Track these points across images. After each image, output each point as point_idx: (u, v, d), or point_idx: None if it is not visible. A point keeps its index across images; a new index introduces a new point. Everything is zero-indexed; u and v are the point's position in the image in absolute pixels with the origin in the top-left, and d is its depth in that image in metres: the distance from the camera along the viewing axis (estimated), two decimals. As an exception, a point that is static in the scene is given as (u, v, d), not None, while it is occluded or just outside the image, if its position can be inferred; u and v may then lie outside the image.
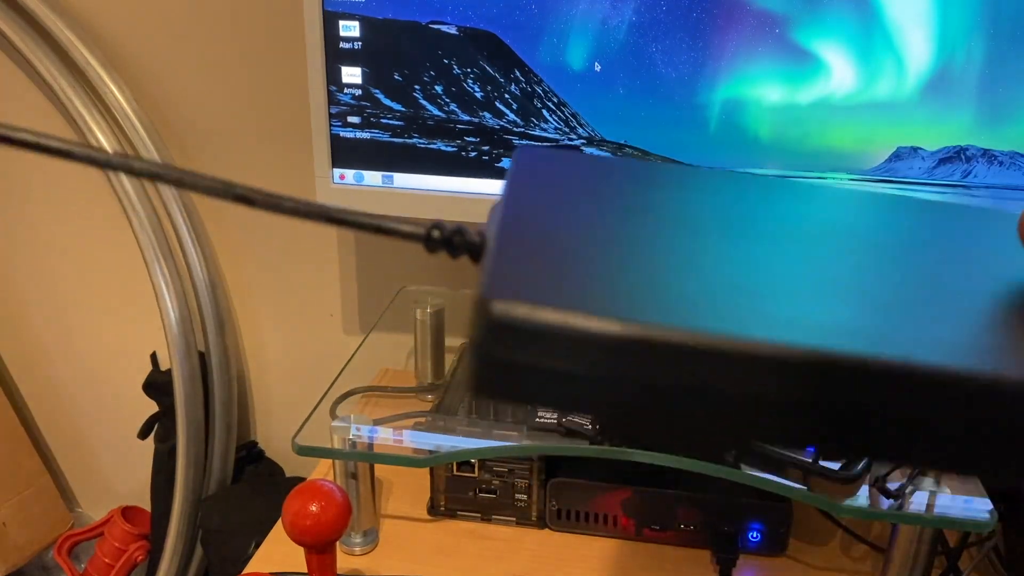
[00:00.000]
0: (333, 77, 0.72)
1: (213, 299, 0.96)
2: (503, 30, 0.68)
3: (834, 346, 0.19)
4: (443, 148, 0.73)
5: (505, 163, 0.71)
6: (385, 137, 0.73)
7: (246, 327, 1.03)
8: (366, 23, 0.70)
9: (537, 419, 0.66)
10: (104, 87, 0.89)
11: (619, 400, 0.20)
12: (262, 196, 0.23)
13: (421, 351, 0.80)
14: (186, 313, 0.94)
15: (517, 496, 0.73)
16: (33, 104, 0.95)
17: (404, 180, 0.75)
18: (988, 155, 0.66)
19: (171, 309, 0.93)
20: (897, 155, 0.67)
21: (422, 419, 0.70)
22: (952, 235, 0.28)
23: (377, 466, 0.72)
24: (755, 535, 0.70)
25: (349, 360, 0.79)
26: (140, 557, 1.06)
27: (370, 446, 0.66)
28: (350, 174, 0.76)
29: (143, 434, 1.01)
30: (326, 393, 0.73)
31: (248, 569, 0.70)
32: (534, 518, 0.74)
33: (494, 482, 0.73)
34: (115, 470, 1.16)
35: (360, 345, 0.83)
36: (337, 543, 0.62)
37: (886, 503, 0.59)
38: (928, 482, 0.61)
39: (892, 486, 0.59)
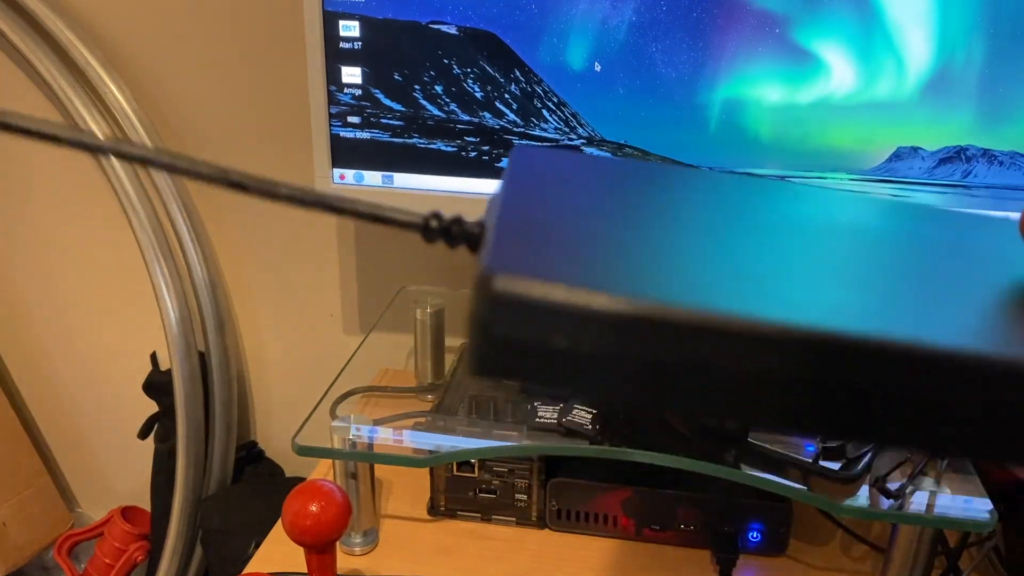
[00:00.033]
0: (333, 77, 0.72)
1: (213, 299, 0.96)
2: (503, 30, 0.68)
3: (842, 325, 0.18)
4: (443, 148, 0.73)
5: (505, 163, 0.71)
6: (385, 137, 0.73)
7: (246, 327, 1.03)
8: (366, 23, 0.70)
9: (537, 419, 0.66)
10: (104, 87, 0.89)
11: (622, 378, 0.19)
12: (257, 182, 0.22)
13: (421, 351, 0.80)
14: (186, 313, 0.94)
15: (517, 496, 0.73)
16: (33, 104, 0.95)
17: (404, 180, 0.75)
18: (988, 155, 0.66)
19: (171, 309, 0.93)
20: (897, 155, 0.67)
21: (422, 419, 0.70)
22: (954, 236, 0.28)
23: (377, 466, 0.72)
24: (755, 535, 0.70)
25: (349, 360, 0.79)
26: (140, 557, 1.06)
27: (370, 446, 0.66)
28: (350, 174, 0.76)
29: (143, 434, 1.01)
30: (326, 393, 0.73)
31: (248, 569, 0.70)
32: (534, 518, 0.74)
33: (494, 482, 0.73)
34: (115, 470, 1.16)
35: (360, 345, 0.83)
36: (337, 543, 0.62)
37: (886, 503, 0.59)
38: (928, 482, 0.61)
39: (892, 486, 0.59)
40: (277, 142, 0.92)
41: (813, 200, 0.29)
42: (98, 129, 0.90)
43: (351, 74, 0.72)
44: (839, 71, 0.65)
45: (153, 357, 1.02)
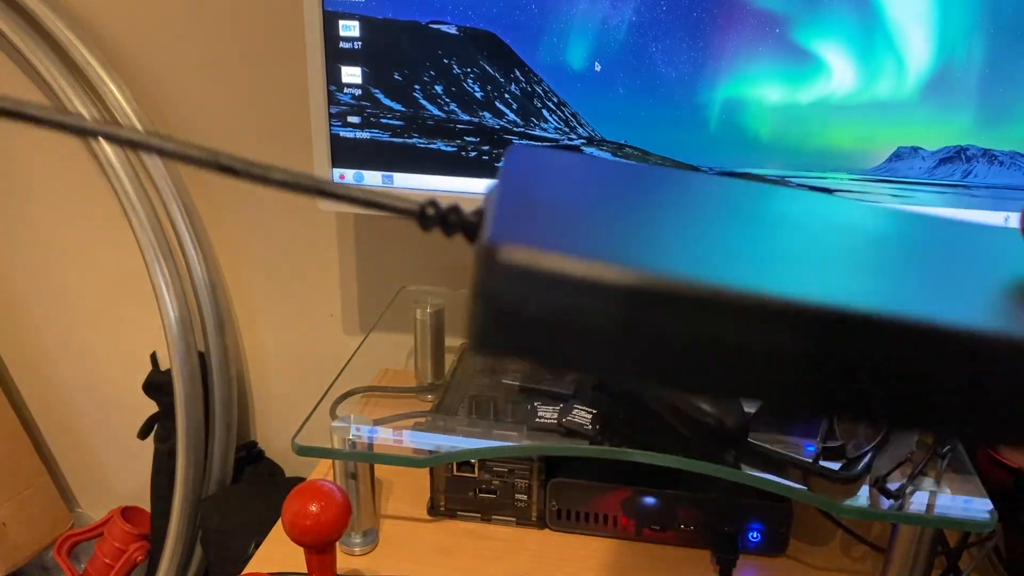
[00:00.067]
0: (333, 77, 0.72)
1: (213, 299, 0.96)
2: (503, 30, 0.68)
3: (851, 302, 0.18)
4: (443, 148, 0.73)
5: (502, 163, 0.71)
6: (385, 137, 0.73)
7: (246, 327, 1.03)
8: (366, 23, 0.70)
9: (537, 419, 0.66)
10: (104, 87, 0.89)
11: (629, 352, 0.19)
12: (248, 166, 0.22)
13: (421, 351, 0.80)
14: (186, 313, 0.94)
15: (517, 496, 0.73)
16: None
17: (404, 180, 0.75)
18: (988, 155, 0.66)
19: (171, 309, 0.93)
20: (897, 155, 0.67)
21: (422, 419, 0.70)
22: (954, 238, 0.28)
23: (377, 466, 0.72)
24: (755, 535, 0.70)
25: (349, 360, 0.79)
26: (140, 557, 1.06)
27: (370, 446, 0.66)
28: (350, 174, 0.76)
29: (143, 434, 1.01)
30: (326, 393, 0.73)
31: (248, 569, 0.70)
32: (534, 518, 0.74)
33: (494, 482, 0.73)
34: (115, 470, 1.16)
35: (360, 345, 0.83)
36: (337, 543, 0.62)
37: (886, 503, 0.59)
38: (928, 482, 0.61)
39: (892, 486, 0.59)
40: (277, 142, 0.92)
41: (814, 202, 0.29)
42: (98, 129, 0.90)
43: (351, 74, 0.72)
44: (839, 71, 0.65)
45: (153, 357, 1.02)
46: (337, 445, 0.66)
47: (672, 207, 0.24)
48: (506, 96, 0.71)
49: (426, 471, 0.74)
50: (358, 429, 0.65)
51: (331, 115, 0.73)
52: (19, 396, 1.13)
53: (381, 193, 0.23)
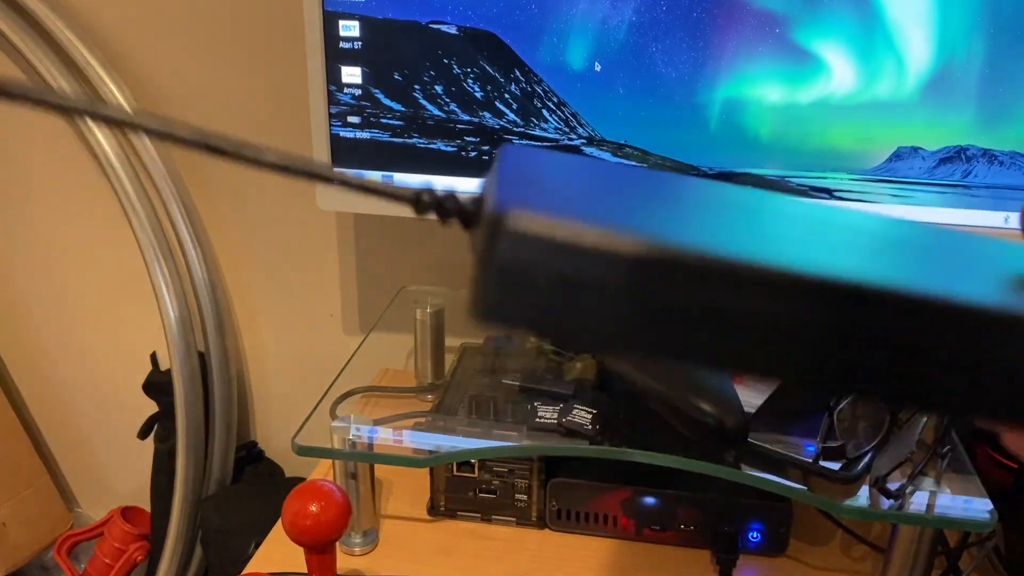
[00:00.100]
0: (333, 77, 0.72)
1: (213, 299, 0.96)
2: (503, 30, 0.68)
3: (860, 275, 0.18)
4: (443, 148, 0.73)
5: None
6: (385, 137, 0.73)
7: (246, 327, 1.03)
8: (366, 23, 0.70)
9: (537, 419, 0.66)
10: (104, 87, 0.89)
11: (636, 322, 0.18)
12: (239, 147, 0.21)
13: (421, 351, 0.80)
14: (186, 313, 0.94)
15: (517, 496, 0.73)
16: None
17: (404, 180, 0.75)
18: (988, 155, 0.66)
19: (171, 309, 0.93)
20: (897, 155, 0.67)
21: (422, 419, 0.70)
22: (953, 241, 0.28)
23: (377, 466, 0.72)
24: (755, 535, 0.70)
25: (349, 360, 0.79)
26: (140, 557, 1.06)
27: (370, 446, 0.66)
28: (350, 174, 0.76)
29: (143, 434, 1.01)
30: (326, 393, 0.73)
31: (248, 569, 0.70)
32: (534, 518, 0.74)
33: (494, 482, 0.73)
34: (115, 470, 1.16)
35: (360, 345, 0.83)
36: (337, 543, 0.62)
37: (886, 503, 0.59)
38: (928, 482, 0.61)
39: (892, 486, 0.59)
40: (277, 142, 0.92)
41: (812, 205, 0.29)
42: (98, 130, 0.90)
43: (351, 74, 0.72)
44: (839, 71, 0.65)
45: (153, 357, 1.02)
46: (337, 445, 0.66)
47: (674, 199, 0.24)
48: (506, 96, 0.71)
49: (426, 471, 0.74)
50: (358, 429, 0.65)
51: (331, 115, 0.73)
52: (19, 396, 1.13)
53: (377, 182, 0.22)
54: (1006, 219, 0.68)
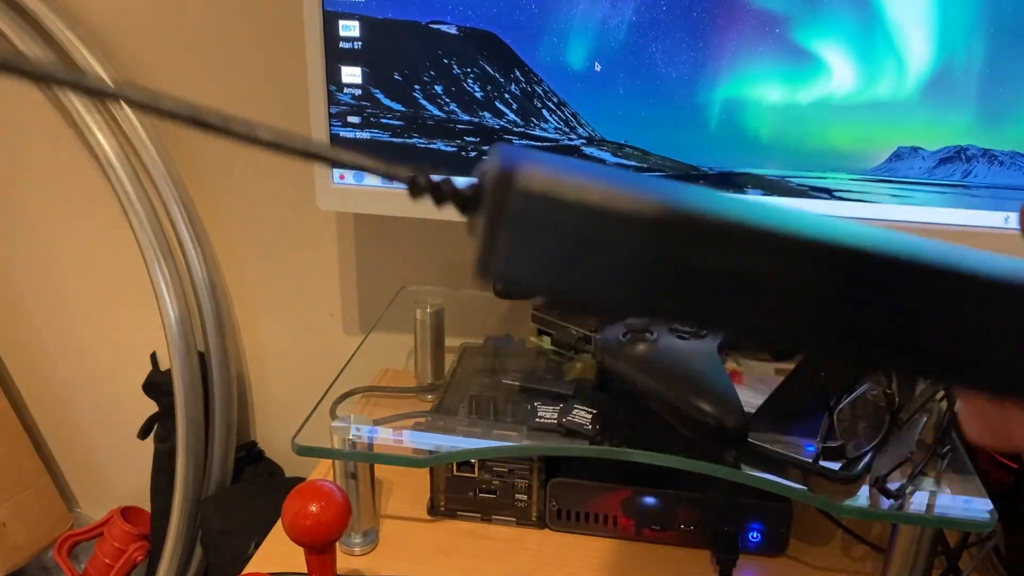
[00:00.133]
0: (333, 77, 0.72)
1: (213, 299, 0.96)
2: (503, 30, 0.68)
3: (876, 244, 0.18)
4: (443, 148, 0.73)
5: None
6: (385, 137, 0.73)
7: (246, 327, 1.03)
8: (366, 23, 0.70)
9: (537, 419, 0.66)
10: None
11: (652, 285, 0.18)
12: (231, 123, 0.20)
13: (421, 351, 0.80)
14: (186, 313, 0.94)
15: (517, 496, 0.73)
16: (33, 104, 0.95)
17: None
18: (988, 155, 0.66)
19: (171, 309, 0.93)
20: (897, 155, 0.67)
21: (422, 419, 0.70)
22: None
23: (377, 466, 0.72)
24: (755, 535, 0.70)
25: (349, 360, 0.79)
26: (140, 557, 1.06)
27: (370, 446, 0.66)
28: (350, 174, 0.76)
29: (143, 434, 1.01)
30: (326, 393, 0.73)
31: (248, 569, 0.70)
32: (534, 518, 0.74)
33: (494, 482, 0.73)
34: (115, 470, 1.16)
35: (360, 345, 0.83)
36: (337, 543, 0.62)
37: (886, 503, 0.59)
38: (928, 482, 0.61)
39: (892, 486, 0.59)
40: (277, 142, 0.92)
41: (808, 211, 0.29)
42: (98, 130, 0.90)
43: (351, 74, 0.72)
44: (839, 71, 0.65)
45: (153, 357, 1.02)
46: (337, 445, 0.66)
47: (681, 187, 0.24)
48: (506, 96, 0.71)
49: (426, 471, 0.74)
50: (358, 429, 0.65)
51: (331, 115, 0.73)
52: (19, 396, 1.13)
53: (371, 159, 0.22)
54: (1006, 219, 0.68)
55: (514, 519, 0.74)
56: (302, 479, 0.77)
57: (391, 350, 0.90)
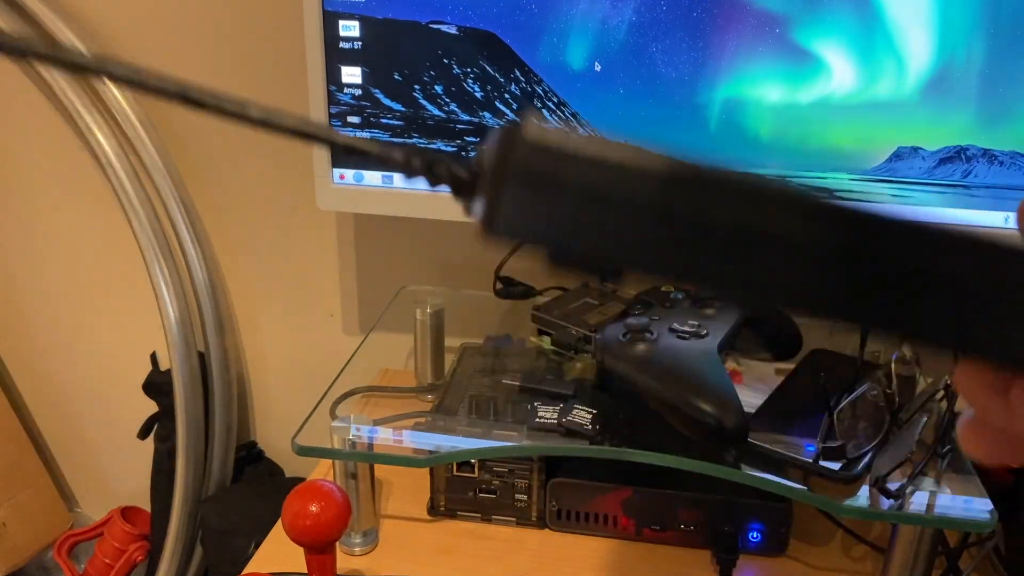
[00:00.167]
0: (333, 77, 0.72)
1: (213, 299, 0.96)
2: (503, 30, 0.68)
3: (884, 211, 0.18)
4: (443, 148, 0.73)
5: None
6: (385, 137, 0.73)
7: (246, 327, 1.03)
8: (366, 23, 0.70)
9: (537, 419, 0.66)
10: (104, 87, 0.89)
11: (664, 240, 0.18)
12: (220, 100, 0.20)
13: (421, 351, 0.80)
14: (186, 313, 0.94)
15: (517, 496, 0.73)
16: (33, 104, 0.95)
17: (404, 180, 0.75)
18: (988, 155, 0.66)
19: (171, 309, 0.93)
20: (897, 155, 0.67)
21: (422, 419, 0.70)
22: None
23: (377, 466, 0.72)
24: (755, 535, 0.70)
25: (349, 360, 0.79)
26: (140, 557, 1.06)
27: (370, 446, 0.66)
28: (350, 174, 0.76)
29: (143, 434, 1.01)
30: (326, 393, 0.73)
31: (248, 569, 0.70)
32: (534, 518, 0.74)
33: (494, 482, 0.73)
34: (115, 470, 1.16)
35: (360, 345, 0.83)
36: (337, 543, 0.62)
37: (886, 503, 0.59)
38: (928, 482, 0.61)
39: (892, 486, 0.59)
40: (278, 142, 0.92)
41: None
42: (98, 130, 0.90)
43: (351, 74, 0.72)
44: (839, 71, 0.65)
45: (153, 357, 1.02)
46: (337, 445, 0.66)
47: None
48: (506, 96, 0.71)
49: (426, 471, 0.74)
50: (358, 429, 0.65)
51: (331, 115, 0.73)
52: (19, 396, 1.13)
53: (365, 141, 0.21)
54: (1006, 219, 0.68)
55: (514, 519, 0.74)
56: (302, 479, 0.77)
57: (391, 350, 0.90)
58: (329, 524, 0.58)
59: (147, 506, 1.06)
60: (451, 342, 0.82)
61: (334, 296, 0.99)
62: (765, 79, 0.66)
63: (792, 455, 0.61)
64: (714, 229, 0.18)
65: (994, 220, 0.68)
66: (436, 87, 0.71)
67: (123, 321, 1.05)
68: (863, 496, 0.59)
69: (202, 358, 0.97)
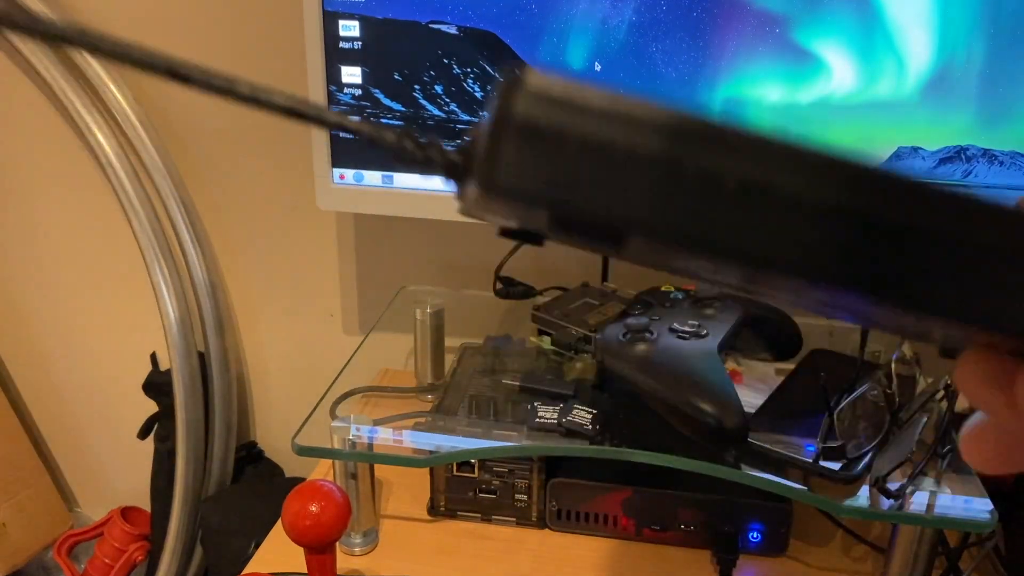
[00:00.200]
0: (333, 77, 0.72)
1: (213, 299, 0.96)
2: (503, 30, 0.68)
3: (915, 174, 0.18)
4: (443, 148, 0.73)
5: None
6: (385, 137, 0.73)
7: (246, 327, 1.03)
8: (366, 23, 0.70)
9: (537, 419, 0.66)
10: (104, 87, 0.89)
11: (671, 196, 0.17)
12: (208, 76, 0.19)
13: (421, 351, 0.80)
14: (186, 313, 0.94)
15: (517, 496, 0.73)
16: (33, 104, 0.95)
17: (404, 180, 0.75)
18: (988, 155, 0.66)
19: (171, 309, 0.93)
20: (897, 155, 0.67)
21: (422, 419, 0.70)
22: None
23: (377, 466, 0.72)
24: (755, 535, 0.70)
25: (349, 360, 0.79)
26: (140, 557, 1.06)
27: (370, 446, 0.66)
28: (350, 174, 0.76)
29: (143, 434, 1.01)
30: (326, 393, 0.73)
31: (248, 569, 0.70)
32: (534, 518, 0.74)
33: (494, 482, 0.73)
34: (115, 470, 1.16)
35: (360, 345, 0.83)
36: (337, 543, 0.62)
37: (886, 503, 0.59)
38: (928, 482, 0.61)
39: (892, 486, 0.59)
40: (278, 142, 0.92)
41: None
42: (98, 130, 0.90)
43: (351, 74, 0.72)
44: (839, 71, 0.65)
45: (153, 357, 1.02)
46: (337, 445, 0.66)
47: None
48: (506, 96, 0.70)
49: (426, 471, 0.74)
50: (358, 429, 0.65)
51: (331, 115, 0.73)
52: (19, 396, 1.13)
53: (354, 119, 0.20)
54: (1006, 219, 0.68)
55: (514, 519, 0.74)
56: (302, 479, 0.77)
57: (391, 350, 0.90)
58: (329, 524, 0.58)
59: (147, 506, 1.06)
60: (451, 342, 0.82)
61: (334, 296, 0.99)
62: (765, 79, 0.66)
63: (792, 455, 0.61)
64: (722, 185, 0.17)
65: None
66: (436, 87, 0.71)
67: (123, 321, 1.05)
68: (863, 496, 0.59)
69: (202, 358, 0.97)
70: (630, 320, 0.66)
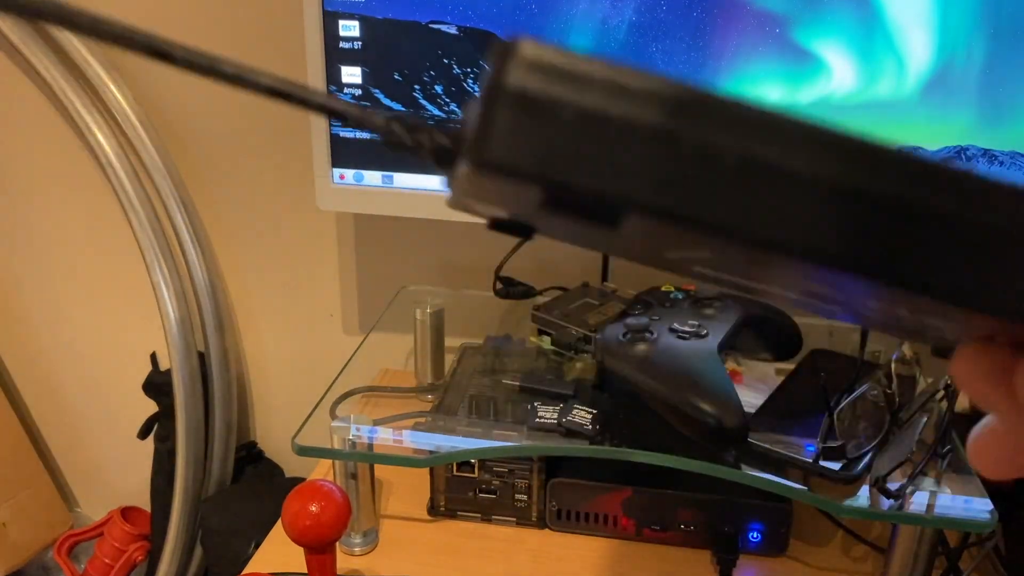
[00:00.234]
0: (333, 77, 0.72)
1: (213, 299, 0.96)
2: (503, 30, 0.68)
3: (925, 153, 0.17)
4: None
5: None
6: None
7: (246, 327, 1.03)
8: (366, 23, 0.70)
9: (537, 419, 0.66)
10: (104, 87, 0.89)
11: (670, 170, 0.17)
12: (190, 54, 0.18)
13: (421, 351, 0.80)
14: (186, 313, 0.94)
15: (517, 496, 0.73)
16: (33, 104, 0.95)
17: (404, 180, 0.75)
18: (988, 155, 0.66)
19: (171, 309, 0.93)
20: (897, 155, 0.67)
21: (422, 419, 0.70)
22: None
23: (377, 466, 0.72)
24: (755, 535, 0.70)
25: (349, 360, 0.79)
26: (140, 557, 1.06)
27: (370, 446, 0.66)
28: (350, 174, 0.76)
29: (143, 434, 1.01)
30: (326, 393, 0.73)
31: (248, 569, 0.70)
32: (534, 518, 0.74)
33: (494, 482, 0.73)
34: (115, 470, 1.16)
35: (360, 345, 0.83)
36: (337, 543, 0.62)
37: (886, 503, 0.59)
38: (928, 482, 0.61)
39: (892, 486, 0.59)
40: (278, 142, 0.92)
41: None
42: (98, 130, 0.90)
43: (351, 74, 0.72)
44: (839, 71, 0.65)
45: (153, 357, 1.02)
46: (337, 445, 0.66)
47: None
48: (506, 96, 0.70)
49: (426, 471, 0.74)
50: (358, 429, 0.65)
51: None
52: (19, 396, 1.13)
53: (342, 101, 0.20)
54: (1006, 219, 0.68)
55: (514, 519, 0.74)
56: (302, 479, 0.77)
57: (391, 350, 0.90)
58: (329, 524, 0.58)
59: (147, 506, 1.06)
60: (451, 342, 0.82)
61: (334, 296, 0.99)
62: (765, 79, 0.66)
63: (792, 455, 0.61)
64: (720, 159, 0.17)
65: (994, 220, 0.68)
66: (436, 87, 0.71)
67: (123, 321, 1.05)
68: (863, 496, 0.59)
69: (202, 358, 0.97)
70: (630, 320, 0.66)
